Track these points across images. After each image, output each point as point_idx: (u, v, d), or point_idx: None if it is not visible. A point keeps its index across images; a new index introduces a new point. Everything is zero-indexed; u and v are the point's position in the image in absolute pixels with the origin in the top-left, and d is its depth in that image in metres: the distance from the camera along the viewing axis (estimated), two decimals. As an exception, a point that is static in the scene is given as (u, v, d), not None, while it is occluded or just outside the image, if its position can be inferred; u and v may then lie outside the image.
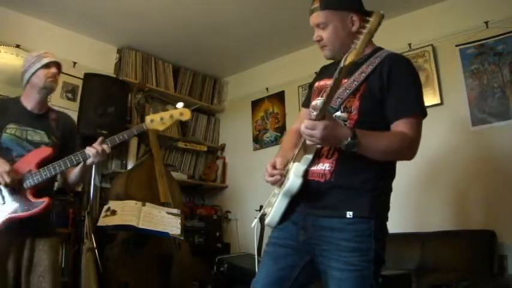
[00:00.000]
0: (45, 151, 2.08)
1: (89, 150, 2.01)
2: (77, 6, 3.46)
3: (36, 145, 2.10)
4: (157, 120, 2.05)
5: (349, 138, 1.31)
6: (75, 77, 3.70)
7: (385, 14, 1.60)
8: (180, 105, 2.09)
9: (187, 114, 2.07)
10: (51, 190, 2.19)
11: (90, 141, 2.08)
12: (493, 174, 2.89)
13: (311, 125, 1.30)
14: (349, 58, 1.27)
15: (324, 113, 1.32)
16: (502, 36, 2.98)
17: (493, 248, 2.62)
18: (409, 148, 1.45)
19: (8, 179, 1.91)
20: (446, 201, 3.05)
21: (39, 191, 2.02)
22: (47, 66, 2.14)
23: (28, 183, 1.99)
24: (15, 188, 1.97)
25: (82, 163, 2.05)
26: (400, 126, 1.44)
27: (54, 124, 2.20)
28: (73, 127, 2.37)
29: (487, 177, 2.92)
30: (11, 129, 2.08)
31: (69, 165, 2.02)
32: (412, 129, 1.43)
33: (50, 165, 2.01)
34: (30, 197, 1.99)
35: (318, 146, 1.47)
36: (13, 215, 1.95)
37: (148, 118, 2.07)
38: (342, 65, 1.27)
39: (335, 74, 1.27)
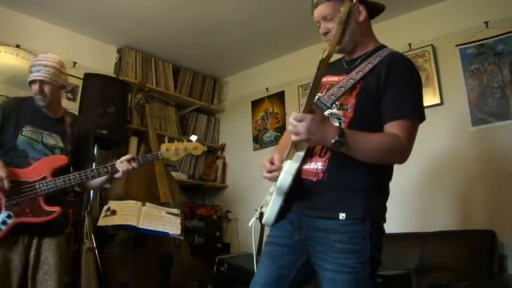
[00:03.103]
0: (61, 160, 2.11)
1: (121, 167, 2.07)
2: (77, 6, 3.47)
3: (51, 149, 2.12)
4: (171, 150, 2.18)
5: (337, 137, 1.28)
6: (75, 77, 3.70)
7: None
8: (194, 138, 2.20)
9: (199, 150, 2.22)
10: (64, 197, 2.20)
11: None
12: (493, 174, 2.89)
13: (299, 117, 1.28)
14: (326, 51, 1.27)
15: (310, 108, 1.30)
16: (502, 36, 2.98)
17: (493, 248, 2.61)
18: (399, 152, 1.40)
19: (6, 184, 1.92)
20: (446, 201, 3.05)
21: (53, 197, 2.04)
22: (32, 82, 2.11)
23: (41, 190, 2.01)
24: (30, 193, 1.99)
25: (107, 178, 2.13)
26: (393, 128, 1.40)
27: (70, 130, 2.21)
28: (89, 132, 2.36)
29: (487, 177, 2.92)
30: (27, 131, 2.09)
31: (90, 178, 2.07)
32: (404, 133, 1.38)
33: (67, 176, 2.04)
34: (43, 204, 2.01)
35: (305, 143, 1.44)
36: (23, 219, 1.97)
37: (164, 147, 2.19)
38: (320, 57, 1.27)
39: (317, 67, 1.28)
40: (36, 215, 1.99)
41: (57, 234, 2.12)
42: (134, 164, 2.10)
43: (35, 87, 2.10)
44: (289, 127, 1.33)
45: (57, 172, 2.06)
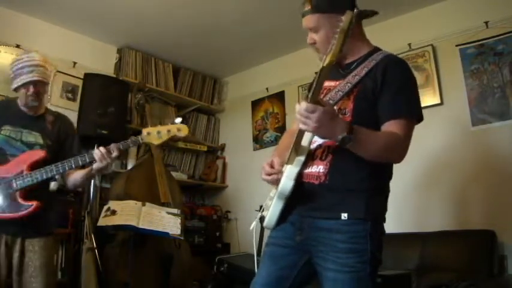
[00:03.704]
0: (38, 153, 2.08)
1: (97, 154, 1.98)
2: (77, 6, 3.47)
3: (31, 146, 2.10)
4: (153, 134, 2.06)
5: (346, 133, 1.29)
6: (75, 77, 3.70)
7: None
8: (178, 120, 2.09)
9: (184, 131, 2.08)
10: (45, 192, 2.14)
11: (90, 142, 2.08)
12: (493, 174, 2.89)
13: (311, 107, 1.26)
14: (327, 59, 1.28)
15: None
16: (502, 36, 2.98)
17: (493, 248, 2.62)
18: (400, 150, 1.42)
19: None
20: (446, 201, 3.05)
21: (31, 192, 2.00)
22: (26, 85, 2.08)
23: (18, 184, 1.98)
24: (6, 188, 1.97)
25: (87, 170, 2.05)
26: (390, 127, 1.41)
27: (50, 127, 2.20)
28: (70, 129, 2.33)
29: (487, 177, 2.92)
30: (5, 130, 2.09)
31: (67, 168, 2.01)
32: (402, 132, 1.40)
33: (43, 168, 2.00)
34: (19, 199, 1.98)
35: (311, 146, 1.44)
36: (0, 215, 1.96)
37: (145, 131, 2.08)
38: (321, 66, 1.28)
39: (316, 75, 1.28)
40: (13, 211, 1.96)
41: (44, 234, 2.08)
42: (113, 148, 2.00)
43: (30, 89, 2.08)
44: (297, 116, 1.31)
45: (35, 166, 2.02)
